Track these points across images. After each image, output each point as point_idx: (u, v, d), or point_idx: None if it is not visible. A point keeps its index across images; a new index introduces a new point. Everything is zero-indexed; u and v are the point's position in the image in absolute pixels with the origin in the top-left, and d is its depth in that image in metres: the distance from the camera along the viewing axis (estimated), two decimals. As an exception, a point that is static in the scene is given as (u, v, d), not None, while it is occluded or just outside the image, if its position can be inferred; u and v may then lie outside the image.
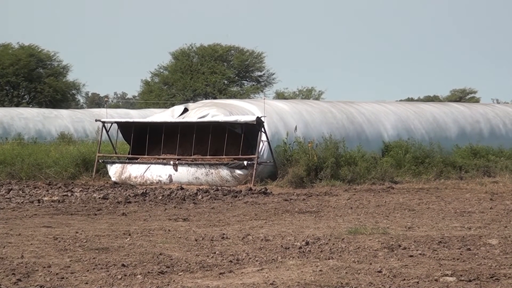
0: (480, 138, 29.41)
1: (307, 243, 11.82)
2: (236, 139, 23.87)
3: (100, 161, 25.31)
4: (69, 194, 20.37)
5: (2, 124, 42.93)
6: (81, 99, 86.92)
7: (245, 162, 22.96)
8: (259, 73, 71.94)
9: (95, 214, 16.31)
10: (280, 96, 72.38)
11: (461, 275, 9.44)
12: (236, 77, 70.85)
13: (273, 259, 10.61)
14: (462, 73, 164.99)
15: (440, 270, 9.81)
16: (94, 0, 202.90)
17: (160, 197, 19.69)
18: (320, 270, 9.77)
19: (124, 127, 26.23)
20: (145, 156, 25.00)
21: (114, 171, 24.89)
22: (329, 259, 10.64)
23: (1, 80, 63.75)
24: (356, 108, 28.08)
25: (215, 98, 61.21)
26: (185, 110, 25.82)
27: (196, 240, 12.29)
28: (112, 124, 26.23)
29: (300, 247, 11.51)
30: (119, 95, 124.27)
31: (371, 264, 10.23)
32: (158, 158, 24.65)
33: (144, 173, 24.39)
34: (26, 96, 66.15)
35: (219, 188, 21.90)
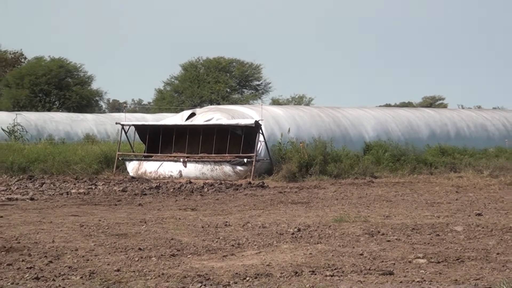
0: (448, 139, 29.42)
1: (298, 230, 11.82)
2: (237, 140, 23.87)
3: (119, 158, 25.31)
4: (93, 187, 20.37)
5: (36, 126, 42.89)
6: (103, 105, 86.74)
7: (245, 160, 22.96)
8: (257, 82, 71.82)
9: (116, 205, 16.30)
10: (275, 102, 72.27)
11: (431, 258, 9.45)
12: (237, 86, 70.73)
13: (269, 244, 10.61)
14: (432, 82, 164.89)
15: (413, 253, 9.82)
16: (116, 22, 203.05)
17: (172, 190, 19.68)
18: (310, 253, 9.77)
19: (140, 129, 26.22)
20: (159, 154, 25.01)
21: (131, 167, 24.89)
22: (317, 243, 10.64)
23: (35, 88, 63.64)
24: (341, 113, 28.07)
25: (219, 104, 61.14)
26: (193, 114, 25.82)
27: (202, 227, 12.29)
28: (130, 126, 26.22)
29: (293, 233, 11.51)
30: (136, 101, 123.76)
31: (354, 248, 10.23)
32: (170, 156, 24.65)
33: (157, 169, 24.39)
34: (56, 102, 65.95)
35: (223, 182, 21.89)
